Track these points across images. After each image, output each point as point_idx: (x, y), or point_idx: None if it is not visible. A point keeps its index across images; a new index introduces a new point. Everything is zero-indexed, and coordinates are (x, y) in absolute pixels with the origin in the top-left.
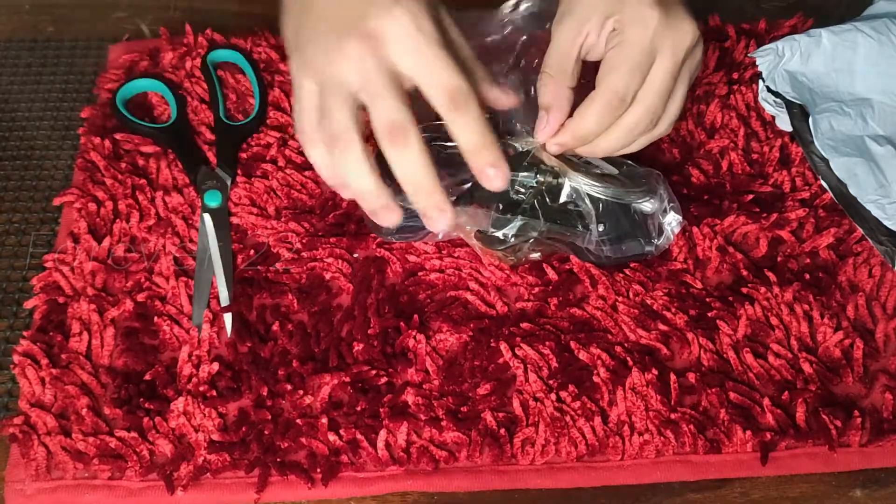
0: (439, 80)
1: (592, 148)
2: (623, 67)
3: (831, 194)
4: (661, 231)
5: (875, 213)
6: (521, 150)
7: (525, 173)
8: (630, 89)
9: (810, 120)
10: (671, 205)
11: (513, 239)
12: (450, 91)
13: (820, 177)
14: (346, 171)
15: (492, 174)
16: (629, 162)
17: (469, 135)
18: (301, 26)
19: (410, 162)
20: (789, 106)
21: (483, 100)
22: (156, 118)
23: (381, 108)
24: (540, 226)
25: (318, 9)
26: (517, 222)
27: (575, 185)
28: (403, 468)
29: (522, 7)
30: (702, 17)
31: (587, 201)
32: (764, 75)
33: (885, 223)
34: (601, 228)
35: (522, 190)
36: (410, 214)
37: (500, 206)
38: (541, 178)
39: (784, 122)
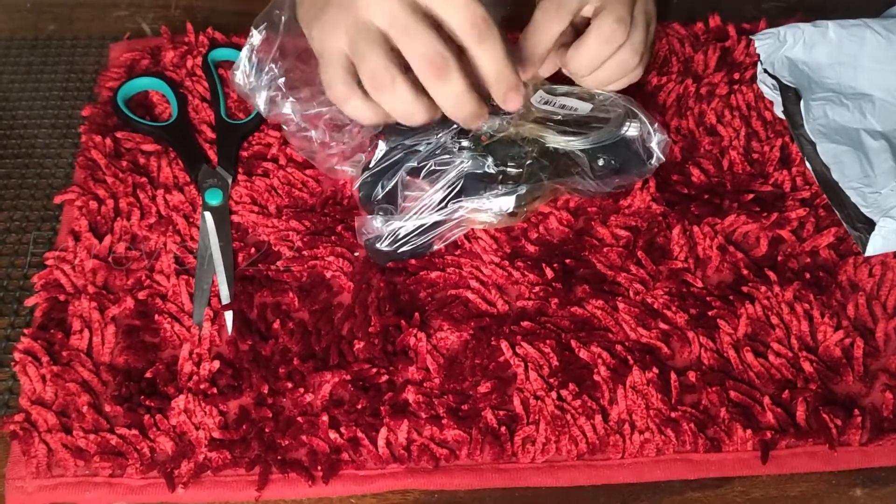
0: (463, 12)
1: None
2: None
3: (814, 176)
4: (650, 153)
5: (854, 199)
6: (497, 136)
7: (511, 150)
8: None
9: (802, 103)
10: (654, 126)
11: (523, 206)
12: (473, 21)
13: (805, 159)
14: (394, 107)
15: (512, 97)
16: (599, 91)
17: (492, 63)
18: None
19: (455, 93)
20: (784, 89)
21: None
22: (157, 116)
23: (415, 43)
24: (543, 187)
25: None
26: (521, 190)
27: (557, 146)
28: (404, 466)
29: None
30: (702, 17)
31: (577, 151)
32: (762, 58)
33: (863, 210)
34: (601, 163)
35: (513, 164)
36: (413, 238)
37: (499, 187)
38: (528, 149)
39: (780, 106)
